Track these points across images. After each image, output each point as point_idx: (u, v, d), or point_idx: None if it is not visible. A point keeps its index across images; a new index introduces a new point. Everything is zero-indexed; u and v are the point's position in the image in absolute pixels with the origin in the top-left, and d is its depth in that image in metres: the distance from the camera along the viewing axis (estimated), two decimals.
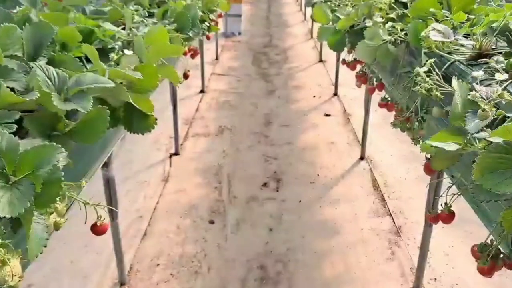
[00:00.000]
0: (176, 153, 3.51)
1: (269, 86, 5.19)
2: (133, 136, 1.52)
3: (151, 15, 1.96)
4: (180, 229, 2.63)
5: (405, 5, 1.97)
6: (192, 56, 2.65)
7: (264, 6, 10.64)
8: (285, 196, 2.99)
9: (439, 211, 1.17)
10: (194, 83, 4.96)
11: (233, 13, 7.36)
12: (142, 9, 1.84)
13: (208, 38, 2.78)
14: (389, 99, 1.84)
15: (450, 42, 1.21)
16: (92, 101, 0.91)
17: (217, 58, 6.23)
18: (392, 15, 1.84)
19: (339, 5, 2.81)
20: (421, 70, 1.16)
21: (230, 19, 7.47)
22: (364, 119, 3.38)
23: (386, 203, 2.89)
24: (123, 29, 1.66)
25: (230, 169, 3.32)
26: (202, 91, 4.92)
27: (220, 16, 3.51)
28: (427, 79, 1.11)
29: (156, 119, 1.26)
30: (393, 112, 2.07)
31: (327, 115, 4.34)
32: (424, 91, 1.13)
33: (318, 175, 3.25)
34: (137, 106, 1.19)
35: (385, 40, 1.68)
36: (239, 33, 7.62)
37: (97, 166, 1.45)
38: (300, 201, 2.94)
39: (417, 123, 1.37)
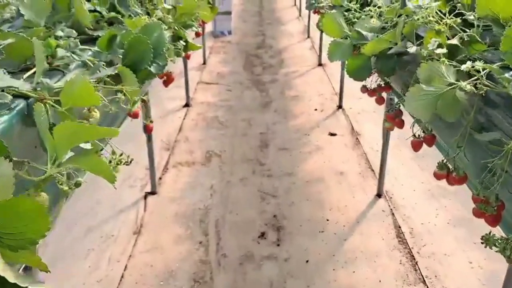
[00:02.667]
0: (153, 192, 2.87)
1: (263, 97, 4.56)
2: None
3: (94, 40, 1.32)
4: None
5: (465, 22, 1.34)
6: (165, 84, 2.02)
7: (256, 1, 9.96)
8: (289, 253, 2.38)
9: None
10: (178, 94, 4.33)
11: (222, 11, 6.70)
12: (74, 38, 1.20)
13: (187, 57, 2.14)
14: (449, 166, 1.23)
15: None
16: None
17: (204, 63, 5.58)
18: (455, 41, 1.22)
19: (355, 11, 2.18)
20: None
21: (219, 17, 6.80)
22: (382, 152, 2.76)
23: (416, 263, 2.28)
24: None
25: (219, 213, 2.69)
26: (186, 105, 4.28)
27: (203, 22, 2.86)
28: None
29: None
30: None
31: (332, 134, 3.72)
32: None
33: (327, 220, 2.64)
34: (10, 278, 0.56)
35: (453, 84, 1.06)
36: (229, 33, 6.96)
37: None
38: (307, 261, 2.33)
39: None
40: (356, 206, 2.76)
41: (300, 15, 8.20)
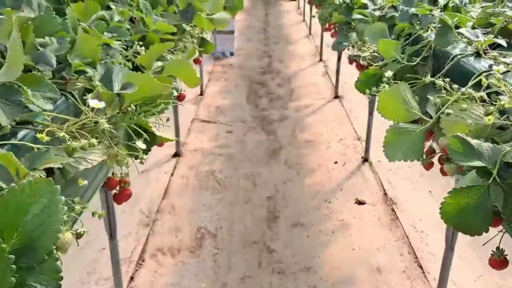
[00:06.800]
0: None
1: (271, 142, 3.75)
2: None
3: None
4: None
5: None
6: (118, 199, 1.23)
7: (261, 15, 9.18)
8: None
9: None
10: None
11: (223, 30, 5.92)
12: None
13: (160, 144, 1.35)
14: None
15: None
16: None
17: (201, 93, 4.78)
18: None
19: (435, 82, 1.39)
20: None
21: (220, 36, 6.02)
22: (444, 265, 1.93)
23: None
24: None
25: None
26: (176, 154, 3.48)
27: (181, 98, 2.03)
28: None
29: None
30: None
31: (360, 202, 2.91)
32: None
33: None
34: None
35: None
36: (231, 54, 6.18)
37: None
38: None
39: None
40: None
41: (310, 33, 7.41)
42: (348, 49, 2.21)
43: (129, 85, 0.92)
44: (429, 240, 2.52)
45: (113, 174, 1.22)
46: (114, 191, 1.22)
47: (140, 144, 1.03)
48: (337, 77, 4.69)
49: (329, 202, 2.91)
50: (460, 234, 1.20)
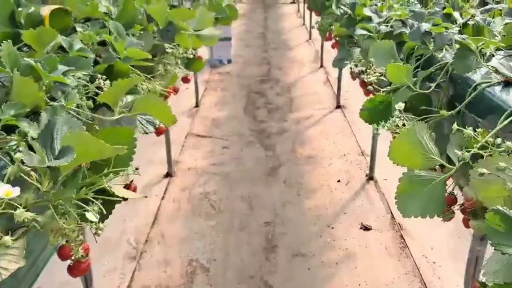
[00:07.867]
0: None
1: (269, 159, 3.53)
2: None
3: None
4: None
5: None
6: (72, 272, 1.01)
7: (260, 19, 8.96)
8: None
9: None
10: (160, 156, 3.31)
11: (220, 37, 5.69)
12: None
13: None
14: None
15: None
16: None
17: (197, 105, 4.57)
18: None
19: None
20: None
21: (217, 43, 5.78)
22: None
23: None
24: None
25: None
26: (168, 175, 3.26)
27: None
28: None
29: None
30: None
31: (365, 228, 2.68)
32: None
33: None
34: None
35: None
36: (229, 61, 5.96)
37: None
38: None
39: None
40: None
41: (310, 38, 7.18)
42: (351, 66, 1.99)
43: (67, 151, 0.70)
44: (442, 272, 2.30)
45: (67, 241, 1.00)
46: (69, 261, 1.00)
47: (91, 216, 0.81)
48: (339, 85, 4.47)
49: (332, 228, 2.69)
50: (480, 275, 0.99)
